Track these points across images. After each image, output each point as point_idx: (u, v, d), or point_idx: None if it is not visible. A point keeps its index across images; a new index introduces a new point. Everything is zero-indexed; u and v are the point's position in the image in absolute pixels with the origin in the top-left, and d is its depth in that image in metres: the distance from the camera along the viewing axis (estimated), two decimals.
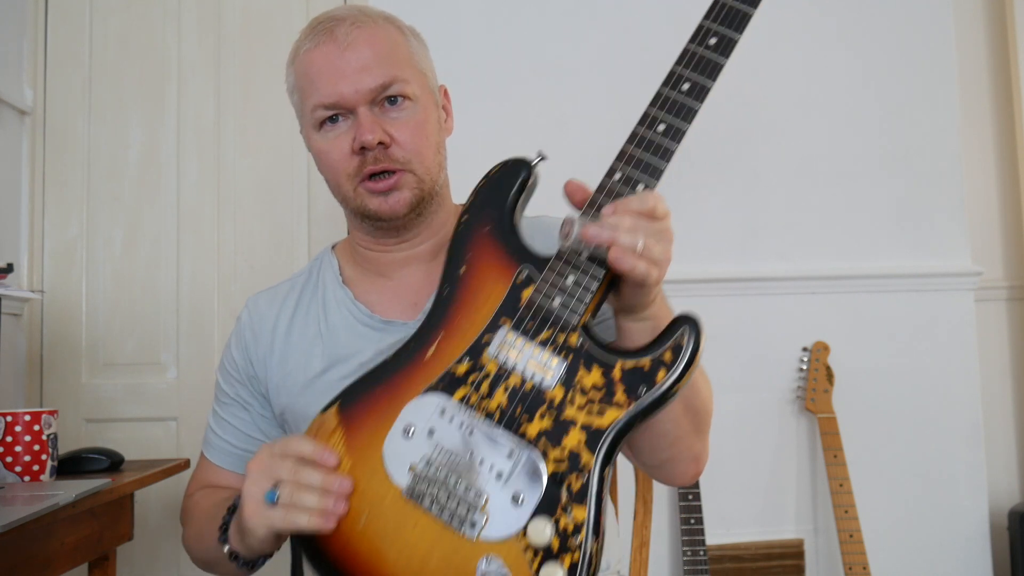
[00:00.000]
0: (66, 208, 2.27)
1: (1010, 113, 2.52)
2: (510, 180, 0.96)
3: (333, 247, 1.21)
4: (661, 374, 0.84)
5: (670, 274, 0.88)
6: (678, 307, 0.91)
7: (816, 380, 2.20)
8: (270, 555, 0.97)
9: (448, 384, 0.88)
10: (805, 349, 2.24)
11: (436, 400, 0.88)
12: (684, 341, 0.85)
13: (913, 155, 2.32)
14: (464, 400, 0.87)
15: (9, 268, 1.78)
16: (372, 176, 1.05)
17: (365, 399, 0.91)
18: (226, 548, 0.96)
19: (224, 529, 0.97)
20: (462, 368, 0.89)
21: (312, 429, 0.92)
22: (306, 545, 0.88)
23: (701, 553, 2.03)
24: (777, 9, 2.33)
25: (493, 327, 0.89)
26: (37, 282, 2.24)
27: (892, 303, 2.27)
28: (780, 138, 2.30)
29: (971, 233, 2.35)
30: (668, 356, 0.84)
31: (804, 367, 2.23)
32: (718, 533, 2.17)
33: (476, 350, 0.89)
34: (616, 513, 1.32)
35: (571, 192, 0.91)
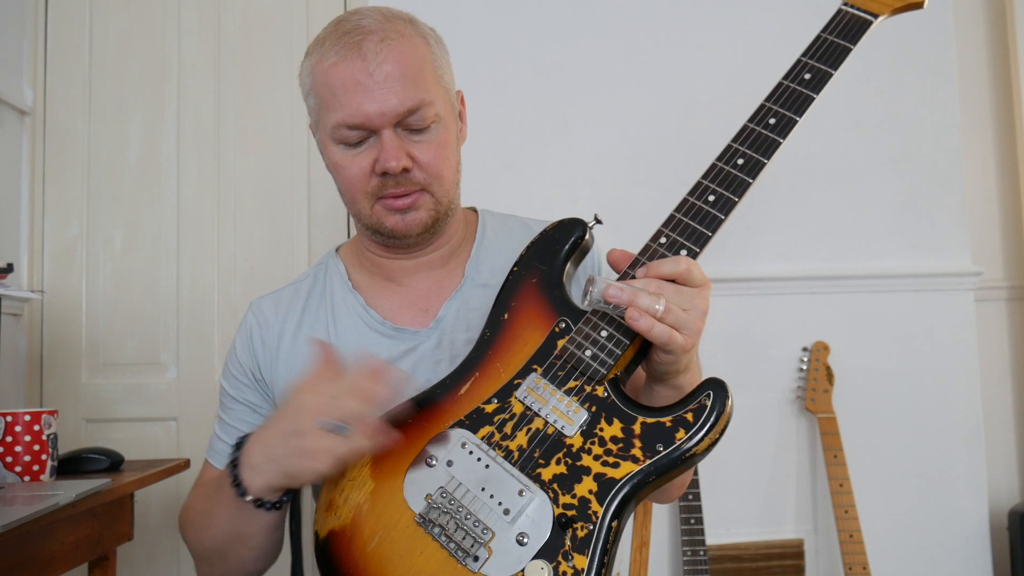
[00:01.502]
0: (66, 208, 2.27)
1: (1010, 113, 2.52)
2: (564, 238, 0.99)
3: (336, 250, 1.20)
4: (680, 434, 0.85)
5: None
6: None
7: (816, 380, 2.20)
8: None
9: (475, 421, 0.91)
10: (805, 349, 2.24)
11: (460, 434, 0.90)
12: (709, 403, 0.85)
13: (913, 155, 2.31)
14: (487, 438, 0.89)
15: (9, 268, 1.78)
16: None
17: (397, 428, 0.92)
18: (248, 498, 0.91)
19: (236, 483, 0.92)
20: (490, 408, 0.91)
21: None
22: (319, 561, 0.89)
23: (701, 553, 2.03)
24: (777, 10, 2.33)
25: (525, 372, 0.92)
26: (37, 282, 2.24)
27: (892, 303, 2.27)
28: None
29: (971, 233, 2.35)
30: (690, 417, 0.85)
31: (804, 367, 2.23)
32: (718, 533, 2.17)
33: (506, 392, 0.92)
34: None
35: (615, 261, 0.92)
